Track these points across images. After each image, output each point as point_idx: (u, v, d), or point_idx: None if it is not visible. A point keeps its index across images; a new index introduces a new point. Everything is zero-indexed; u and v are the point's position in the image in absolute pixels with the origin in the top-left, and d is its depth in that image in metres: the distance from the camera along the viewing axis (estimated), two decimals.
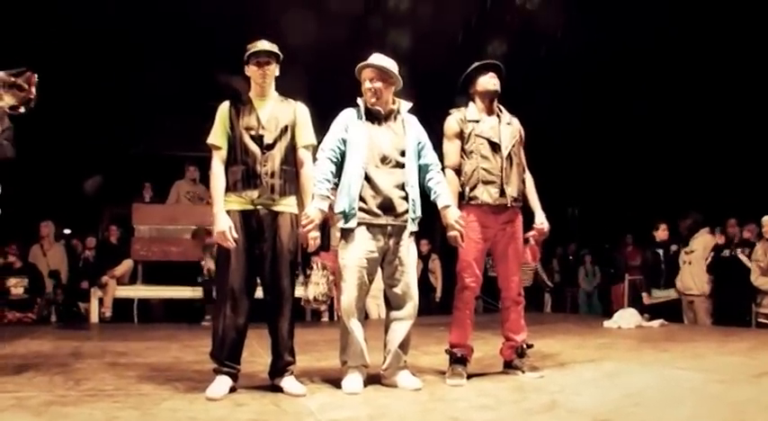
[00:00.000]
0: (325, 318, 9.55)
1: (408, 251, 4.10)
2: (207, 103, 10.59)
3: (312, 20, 9.32)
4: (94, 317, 9.20)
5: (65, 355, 5.40)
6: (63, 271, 9.84)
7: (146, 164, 11.58)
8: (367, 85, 4.12)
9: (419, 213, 4.13)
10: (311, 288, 4.01)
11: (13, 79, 3.76)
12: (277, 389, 3.90)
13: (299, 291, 4.13)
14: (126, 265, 9.59)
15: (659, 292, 8.85)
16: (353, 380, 3.95)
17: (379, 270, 4.14)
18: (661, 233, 8.96)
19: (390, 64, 4.16)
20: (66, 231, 10.88)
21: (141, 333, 7.72)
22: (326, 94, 6.49)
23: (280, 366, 3.97)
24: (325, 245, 4.54)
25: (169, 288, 9.57)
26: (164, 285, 9.65)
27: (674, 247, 8.86)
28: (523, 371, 4.40)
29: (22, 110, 3.80)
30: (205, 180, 10.32)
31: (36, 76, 3.85)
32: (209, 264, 8.92)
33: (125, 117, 10.87)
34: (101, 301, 9.24)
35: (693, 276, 8.45)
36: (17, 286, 8.97)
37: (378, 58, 4.16)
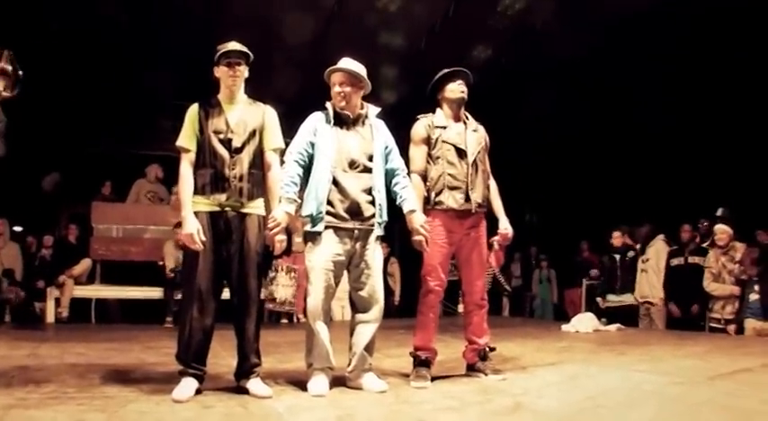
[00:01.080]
0: (285, 321, 9.52)
1: (374, 255, 4.14)
2: (172, 102, 10.60)
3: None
4: (50, 318, 9.04)
5: (21, 356, 5.29)
6: (18, 270, 9.66)
7: (106, 162, 11.42)
8: (336, 89, 4.15)
9: (385, 217, 4.18)
10: (280, 290, 4.02)
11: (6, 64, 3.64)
12: (243, 390, 3.90)
13: (263, 293, 4.12)
14: (84, 265, 9.49)
15: (615, 297, 9.01)
16: (319, 382, 3.96)
17: (345, 273, 4.16)
18: (616, 240, 9.13)
19: (359, 68, 4.19)
20: (17, 229, 10.64)
21: (100, 334, 7.63)
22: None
23: (246, 368, 3.96)
24: (287, 249, 4.54)
25: (128, 288, 9.48)
26: (122, 285, 9.56)
27: (630, 253, 9.03)
28: (486, 374, 4.45)
29: (7, 93, 3.68)
30: (167, 180, 10.28)
31: (11, 52, 3.74)
32: (169, 265, 8.87)
33: (86, 114, 10.71)
34: (57, 301, 9.09)
35: (649, 284, 8.67)
36: None
37: (347, 63, 4.19)
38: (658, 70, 9.49)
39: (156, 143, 10.99)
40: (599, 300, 9.13)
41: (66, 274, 9.13)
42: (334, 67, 4.18)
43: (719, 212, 8.59)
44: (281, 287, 4.03)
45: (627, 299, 8.93)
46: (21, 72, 3.71)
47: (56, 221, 10.88)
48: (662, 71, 9.47)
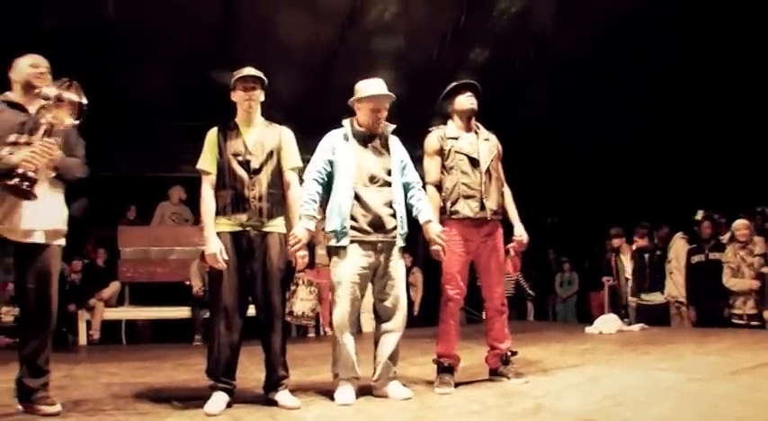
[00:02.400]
0: (312, 334, 9.64)
1: (397, 266, 4.26)
2: (188, 124, 10.75)
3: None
4: (83, 340, 9.22)
5: (59, 377, 5.36)
6: None
7: (127, 185, 11.60)
8: (378, 114, 4.28)
9: (406, 229, 4.29)
10: (298, 304, 4.12)
11: (65, 96, 3.79)
12: (272, 403, 4.01)
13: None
14: (113, 287, 9.65)
15: (645, 296, 8.98)
16: (346, 392, 4.07)
17: (369, 285, 4.27)
18: (639, 241, 9.11)
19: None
20: None
21: (131, 354, 7.76)
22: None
23: (274, 381, 4.08)
24: (310, 262, 4.66)
25: (156, 308, 9.63)
26: (151, 306, 9.71)
27: (658, 252, 9.00)
28: (509, 378, 4.53)
29: (71, 121, 3.83)
30: (190, 202, 10.43)
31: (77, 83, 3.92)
32: (196, 284, 9.01)
33: (105, 137, 10.89)
34: (89, 324, 9.27)
35: (676, 283, 8.66)
36: (8, 314, 8.96)
37: (382, 87, 4.30)
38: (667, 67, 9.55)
39: (179, 165, 11.19)
40: (632, 299, 9.06)
41: (97, 298, 9.30)
42: (373, 92, 4.28)
43: (699, 215, 8.67)
44: (300, 301, 4.09)
45: (656, 298, 8.90)
46: (86, 101, 3.87)
47: (83, 246, 11.08)
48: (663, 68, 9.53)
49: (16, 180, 3.51)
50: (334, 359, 4.19)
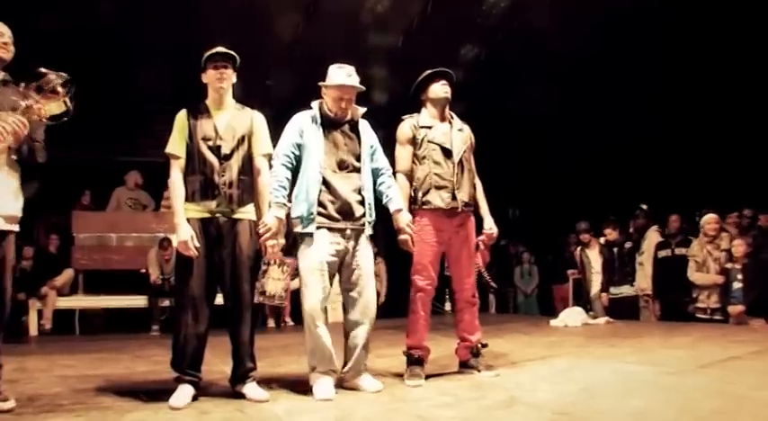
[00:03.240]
0: (272, 324, 9.59)
1: (365, 254, 4.20)
2: (146, 107, 10.59)
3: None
4: (33, 330, 9.02)
5: (9, 371, 5.19)
6: None
7: (81, 170, 11.39)
8: (342, 104, 4.21)
9: (374, 217, 4.24)
10: (270, 283, 4.04)
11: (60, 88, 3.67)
12: (239, 395, 3.96)
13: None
14: (66, 275, 9.47)
15: (613, 289, 9.03)
16: (325, 386, 3.99)
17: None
18: (610, 234, 9.19)
19: (357, 78, 4.27)
20: None
21: (86, 345, 7.63)
22: None
23: (241, 373, 4.03)
24: (289, 249, 4.61)
25: (112, 297, 9.50)
26: (106, 294, 9.58)
27: (628, 244, 9.06)
28: (479, 370, 4.56)
29: (53, 122, 3.72)
30: (147, 187, 10.28)
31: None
32: (153, 272, 8.90)
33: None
34: (40, 313, 9.08)
35: (646, 276, 8.75)
36: None
37: (351, 76, 4.23)
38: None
39: (135, 149, 11.02)
40: (603, 295, 9.08)
41: (49, 286, 9.11)
42: (341, 81, 4.20)
43: (639, 211, 8.93)
44: (272, 280, 4.02)
45: (625, 291, 8.97)
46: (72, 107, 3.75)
47: (33, 232, 10.84)
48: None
49: None
50: (309, 351, 4.11)
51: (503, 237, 12.17)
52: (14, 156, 3.70)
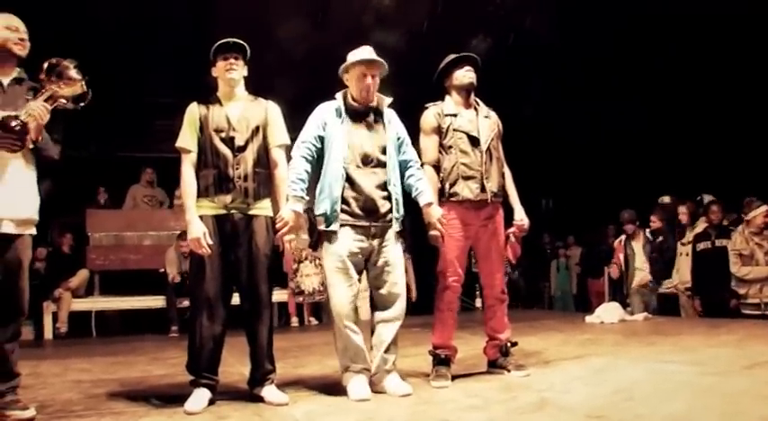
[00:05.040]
0: (295, 323, 9.60)
1: (393, 251, 4.16)
2: (159, 101, 10.62)
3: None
4: (48, 334, 9.10)
5: (23, 376, 5.34)
6: None
7: (95, 167, 11.47)
8: (367, 81, 4.15)
9: (402, 212, 4.20)
10: (306, 281, 4.03)
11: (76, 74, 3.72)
12: (258, 398, 3.97)
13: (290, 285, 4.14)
14: (81, 276, 9.50)
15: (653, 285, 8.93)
16: (359, 385, 3.97)
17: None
18: (655, 224, 9.05)
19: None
20: None
21: (102, 347, 7.69)
22: None
23: (259, 375, 4.03)
24: (315, 245, 4.58)
25: (129, 298, 9.53)
26: (122, 295, 9.61)
27: (670, 237, 8.93)
28: (509, 370, 4.51)
29: (75, 105, 3.76)
30: (163, 183, 10.33)
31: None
32: (171, 271, 8.94)
33: (72, 116, 10.77)
34: (55, 316, 9.14)
35: (688, 270, 8.54)
36: None
37: (371, 52, 4.21)
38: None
39: (149, 145, 11.06)
40: (653, 288, 8.93)
41: (63, 287, 9.16)
42: (362, 57, 4.17)
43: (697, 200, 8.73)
44: (307, 277, 4.02)
45: (667, 284, 8.87)
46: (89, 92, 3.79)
47: (47, 232, 10.94)
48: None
49: (12, 122, 3.43)
50: (340, 350, 4.10)
51: (539, 230, 12.26)
52: (31, 145, 3.67)
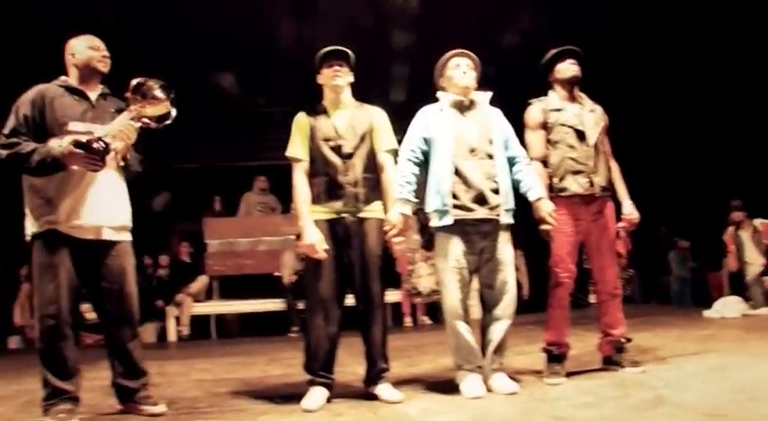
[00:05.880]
0: (409, 323, 9.68)
1: (504, 247, 4.15)
2: (269, 110, 10.92)
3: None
4: (172, 336, 9.60)
5: (151, 375, 5.63)
6: None
7: (208, 176, 11.89)
8: (461, 70, 4.24)
9: (512, 204, 4.17)
10: (423, 281, 4.10)
11: (161, 93, 3.91)
12: (372, 397, 4.05)
13: (407, 286, 4.20)
14: (201, 282, 9.96)
15: None
16: (473, 383, 4.00)
17: None
18: None
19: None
20: None
21: (222, 349, 8.02)
22: None
23: (374, 373, 4.12)
24: (428, 245, 4.65)
25: (247, 302, 9.88)
26: (240, 299, 9.97)
27: None
28: (624, 367, 4.44)
29: (158, 124, 3.94)
30: (274, 190, 10.61)
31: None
32: (286, 274, 9.16)
33: (185, 128, 11.19)
34: (177, 320, 9.63)
35: None
36: (90, 311, 9.29)
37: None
38: None
39: (261, 153, 11.39)
40: (766, 279, 8.66)
41: (184, 293, 9.63)
42: (454, 51, 4.29)
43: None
44: (422, 278, 4.11)
45: None
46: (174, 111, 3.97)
47: (167, 240, 11.41)
48: None
49: (94, 143, 3.61)
50: (453, 348, 4.13)
51: (655, 223, 11.96)
52: (122, 162, 3.92)
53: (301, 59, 4.91)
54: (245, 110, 11.65)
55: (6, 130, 3.69)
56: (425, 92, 4.58)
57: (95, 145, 3.60)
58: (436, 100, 4.33)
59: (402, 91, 10.01)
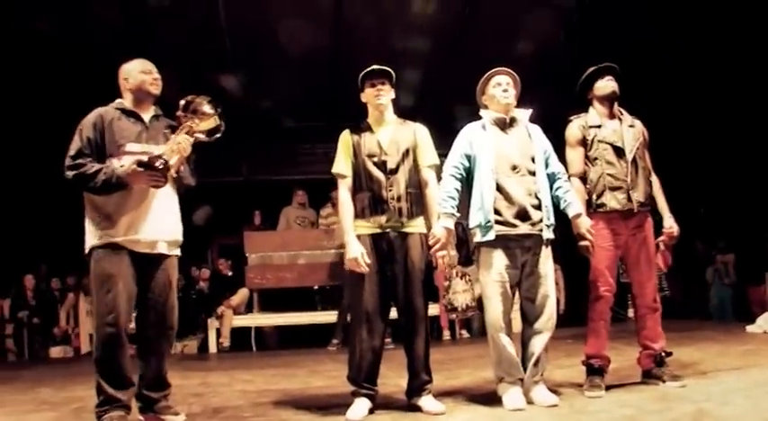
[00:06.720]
0: (447, 336, 9.73)
1: (545, 261, 4.23)
2: (307, 125, 11.05)
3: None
4: (213, 348, 9.76)
5: (195, 385, 5.75)
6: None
7: (247, 191, 12.03)
8: (503, 87, 4.34)
9: (553, 220, 4.24)
10: (458, 297, 4.18)
11: (210, 108, 4.11)
12: (415, 408, 4.13)
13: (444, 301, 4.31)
14: (242, 295, 10.11)
15: None
16: (514, 396, 4.06)
17: None
18: None
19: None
20: None
21: (262, 361, 8.11)
22: None
23: (417, 385, 4.20)
24: (468, 260, 4.73)
25: (286, 315, 10.02)
26: (280, 312, 10.12)
27: None
28: (664, 380, 4.46)
29: (209, 138, 4.14)
30: (312, 204, 10.74)
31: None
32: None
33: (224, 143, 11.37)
34: (218, 332, 9.78)
35: None
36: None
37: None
38: None
39: (300, 167, 11.52)
40: None
41: (225, 305, 9.78)
42: (496, 69, 4.40)
43: None
44: (458, 294, 4.18)
45: None
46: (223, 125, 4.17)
47: (208, 253, 11.58)
48: None
49: (156, 162, 3.78)
50: (495, 361, 4.19)
51: (692, 237, 11.86)
52: (175, 175, 4.06)
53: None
54: (284, 125, 11.78)
55: (72, 152, 3.87)
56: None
57: (157, 163, 3.77)
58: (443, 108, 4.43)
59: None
